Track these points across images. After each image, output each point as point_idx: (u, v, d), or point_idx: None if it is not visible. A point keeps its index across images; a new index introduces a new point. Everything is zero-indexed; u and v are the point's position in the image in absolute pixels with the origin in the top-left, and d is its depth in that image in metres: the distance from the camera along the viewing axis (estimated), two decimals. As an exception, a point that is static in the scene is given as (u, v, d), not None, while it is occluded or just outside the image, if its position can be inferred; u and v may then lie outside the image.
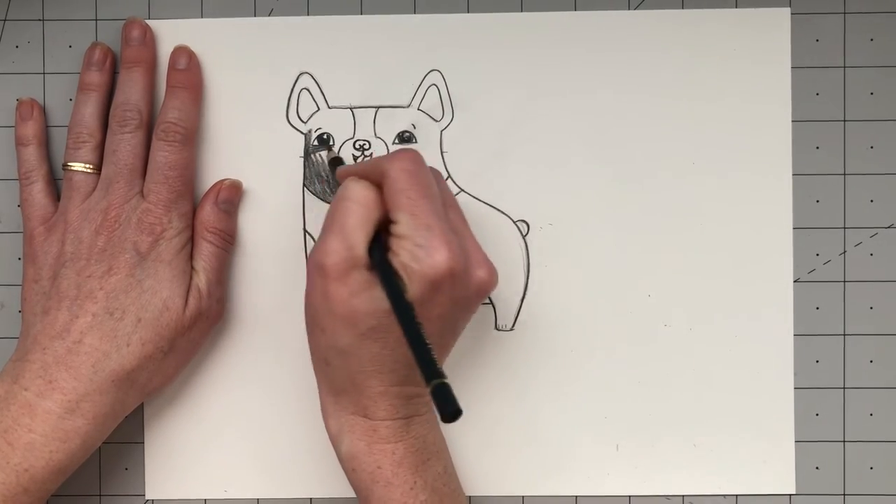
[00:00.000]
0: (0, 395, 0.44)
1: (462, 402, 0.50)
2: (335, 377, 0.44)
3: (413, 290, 0.41)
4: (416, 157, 0.43)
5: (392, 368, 0.43)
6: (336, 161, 0.49)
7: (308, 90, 0.50)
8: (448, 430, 0.50)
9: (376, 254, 0.42)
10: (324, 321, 0.43)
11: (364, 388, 0.43)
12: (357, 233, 0.42)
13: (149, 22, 0.50)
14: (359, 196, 0.43)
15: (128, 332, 0.45)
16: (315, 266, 0.42)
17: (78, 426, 0.44)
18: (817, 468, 0.50)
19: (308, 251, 0.50)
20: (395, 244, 0.42)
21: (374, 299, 0.41)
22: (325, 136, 0.50)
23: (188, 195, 0.48)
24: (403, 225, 0.42)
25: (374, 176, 0.43)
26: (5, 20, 0.51)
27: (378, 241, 0.43)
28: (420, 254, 0.41)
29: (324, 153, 0.50)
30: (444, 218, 0.42)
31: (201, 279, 0.47)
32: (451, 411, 0.36)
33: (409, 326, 0.40)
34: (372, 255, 0.42)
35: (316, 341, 0.44)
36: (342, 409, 0.44)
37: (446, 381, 0.37)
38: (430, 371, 0.38)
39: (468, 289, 0.43)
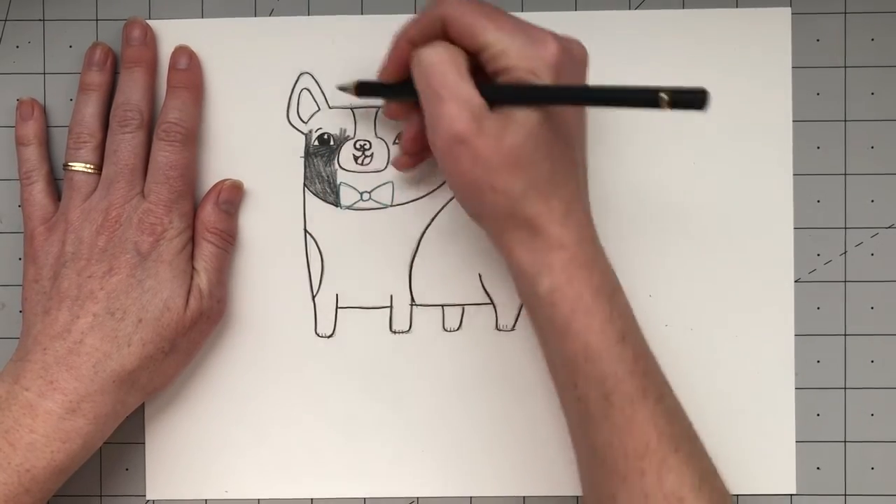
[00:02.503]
0: (1, 395, 0.44)
1: (462, 402, 0.50)
2: (524, 220, 0.42)
3: (546, 81, 0.41)
4: None
5: (566, 181, 0.42)
6: (365, 84, 0.47)
7: (308, 90, 0.50)
8: (448, 430, 0.50)
9: (490, 89, 0.42)
10: (490, 181, 0.42)
11: (552, 215, 0.42)
12: (462, 85, 0.41)
13: (149, 22, 0.50)
14: (437, 55, 0.42)
15: (128, 333, 0.45)
16: (449, 140, 0.41)
17: (79, 426, 0.44)
18: (818, 468, 0.50)
19: (308, 251, 0.50)
20: (499, 64, 0.41)
21: (521, 124, 0.41)
22: (325, 136, 0.50)
23: (189, 195, 0.48)
24: (497, 42, 0.41)
25: (432, 30, 0.43)
26: (6, 20, 0.51)
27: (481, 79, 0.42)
28: (531, 52, 0.41)
29: (351, 87, 0.48)
30: (516, 17, 0.43)
31: (202, 279, 0.47)
32: (699, 96, 0.35)
33: (581, 91, 0.40)
34: (487, 94, 0.41)
35: (492, 205, 0.42)
36: (537, 250, 0.43)
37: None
38: (646, 91, 0.37)
39: (576, 63, 0.43)
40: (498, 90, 0.42)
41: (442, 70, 0.42)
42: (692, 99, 0.35)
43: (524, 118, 0.41)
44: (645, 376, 0.42)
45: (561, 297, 0.42)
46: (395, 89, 0.46)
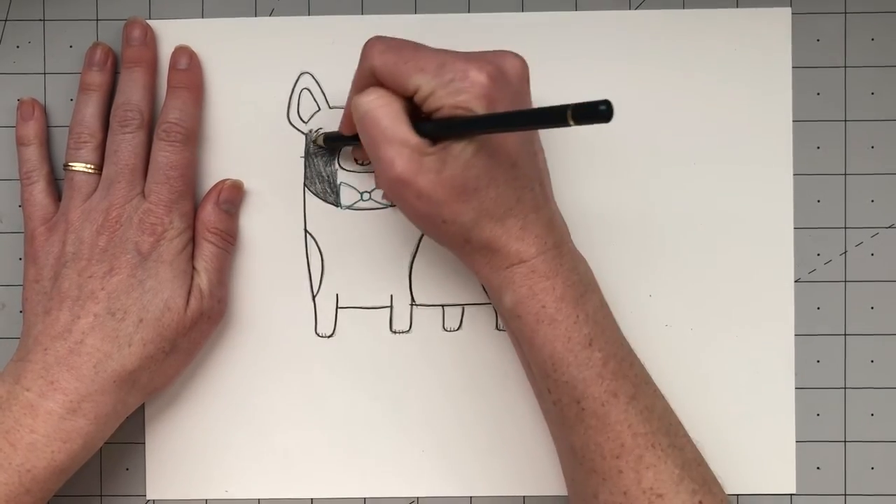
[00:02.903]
0: (2, 395, 0.44)
1: (462, 402, 0.50)
2: (481, 244, 0.44)
3: (479, 112, 0.41)
4: (380, 37, 0.44)
5: (518, 198, 0.43)
6: (329, 136, 0.49)
7: (309, 90, 0.50)
8: (448, 430, 0.50)
9: (426, 125, 0.42)
10: (440, 214, 0.43)
11: (508, 234, 0.43)
12: (398, 127, 0.42)
13: (149, 22, 0.50)
14: (370, 102, 0.43)
15: (129, 333, 0.45)
16: (392, 184, 0.42)
17: (80, 426, 0.44)
18: (818, 468, 0.50)
19: (308, 251, 0.50)
20: (430, 106, 0.42)
21: (455, 156, 0.41)
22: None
23: (189, 195, 0.48)
24: (423, 83, 0.42)
25: (367, 81, 0.44)
26: (6, 20, 0.51)
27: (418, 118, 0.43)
28: (457, 86, 0.41)
29: (320, 139, 0.50)
30: (442, 51, 0.43)
31: (203, 279, 0.47)
32: (602, 108, 0.34)
33: (503, 117, 0.40)
34: (423, 132, 0.42)
35: (447, 235, 0.44)
36: (497, 267, 0.44)
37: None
38: (554, 110, 0.36)
39: (512, 83, 0.43)
40: (431, 126, 0.42)
41: (375, 116, 0.42)
42: (593, 112, 0.35)
43: (459, 150, 0.41)
44: (615, 378, 0.43)
45: (524, 309, 0.43)
46: (354, 138, 0.46)
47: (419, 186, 0.42)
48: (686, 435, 0.45)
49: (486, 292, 0.50)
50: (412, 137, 0.42)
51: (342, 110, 0.50)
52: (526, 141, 0.44)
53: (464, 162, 0.41)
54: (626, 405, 0.43)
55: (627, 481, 0.43)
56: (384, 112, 0.42)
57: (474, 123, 0.41)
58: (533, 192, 0.44)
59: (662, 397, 0.45)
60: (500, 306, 0.45)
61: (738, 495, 0.50)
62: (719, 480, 0.45)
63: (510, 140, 0.43)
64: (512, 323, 0.45)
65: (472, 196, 0.42)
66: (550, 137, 0.48)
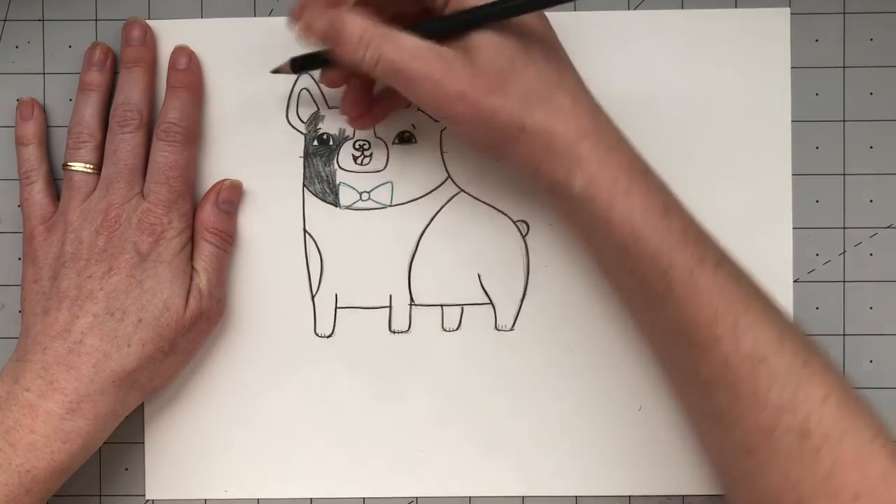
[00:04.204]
0: (1, 395, 0.44)
1: (462, 403, 0.50)
2: (537, 128, 0.42)
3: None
4: None
5: (560, 74, 0.42)
6: (297, 60, 0.47)
7: (308, 90, 0.50)
8: (447, 430, 0.50)
9: (432, 23, 0.42)
10: (489, 106, 0.42)
11: (561, 110, 0.42)
12: (405, 47, 0.41)
13: (149, 22, 0.50)
14: (373, 47, 0.42)
15: (128, 333, 0.45)
16: (436, 101, 0.42)
17: (79, 426, 0.44)
18: (817, 468, 0.50)
19: (308, 251, 0.50)
20: (436, 2, 0.42)
21: (481, 45, 0.41)
22: (324, 137, 0.50)
23: (188, 195, 0.48)
24: None
25: None
26: (5, 20, 0.51)
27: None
28: None
29: (286, 66, 0.48)
30: None
31: (202, 279, 0.47)
32: None
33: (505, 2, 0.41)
34: (430, 33, 0.42)
35: (503, 127, 0.42)
36: (560, 150, 0.42)
37: None
38: None
39: None
40: (440, 23, 0.42)
41: (388, 59, 0.41)
42: None
43: (478, 39, 0.41)
44: (697, 243, 0.42)
45: (597, 187, 0.42)
46: (330, 57, 0.45)
47: (456, 87, 0.41)
48: (778, 305, 0.43)
49: (546, 200, 0.48)
50: (423, 45, 0.41)
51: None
52: (548, 27, 0.43)
53: (491, 47, 0.41)
54: (713, 270, 0.41)
55: (727, 349, 0.41)
56: (390, 48, 0.41)
57: (480, 12, 0.41)
58: (572, 71, 0.43)
59: (744, 268, 0.44)
60: (567, 198, 0.43)
61: (737, 495, 0.50)
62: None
63: (532, 20, 0.42)
64: (584, 209, 0.43)
65: (513, 78, 0.41)
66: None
